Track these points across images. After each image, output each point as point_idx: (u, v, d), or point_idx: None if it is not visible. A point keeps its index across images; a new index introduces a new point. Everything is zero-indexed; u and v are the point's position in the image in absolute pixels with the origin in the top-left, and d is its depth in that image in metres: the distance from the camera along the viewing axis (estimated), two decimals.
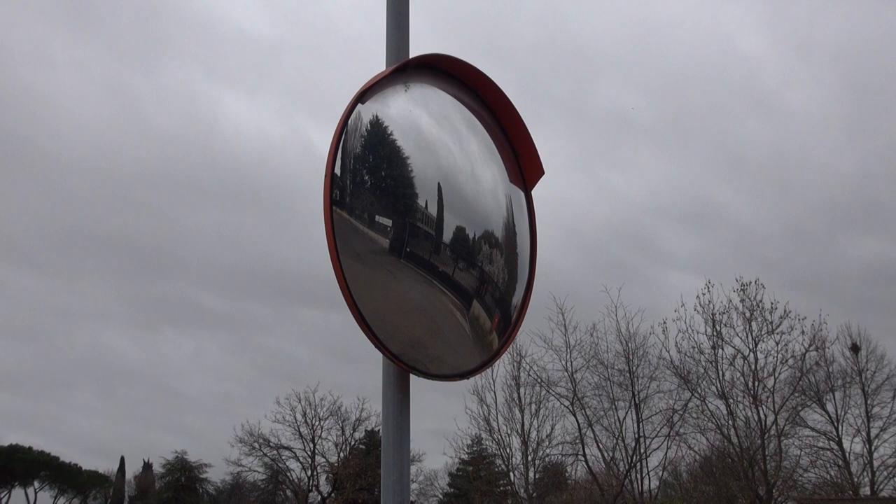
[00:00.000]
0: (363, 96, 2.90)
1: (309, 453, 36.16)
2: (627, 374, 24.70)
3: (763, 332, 23.29)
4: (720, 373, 23.55)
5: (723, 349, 23.72)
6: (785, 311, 23.17)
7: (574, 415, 24.96)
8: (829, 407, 26.83)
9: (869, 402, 27.36)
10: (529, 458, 25.28)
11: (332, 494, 35.36)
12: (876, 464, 26.46)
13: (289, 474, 37.28)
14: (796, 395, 23.94)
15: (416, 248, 2.97)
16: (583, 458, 24.78)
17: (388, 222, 2.88)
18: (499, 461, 28.41)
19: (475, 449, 32.43)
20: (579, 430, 24.90)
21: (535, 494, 25.36)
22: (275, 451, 36.22)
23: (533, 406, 25.69)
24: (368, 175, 2.90)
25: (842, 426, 26.95)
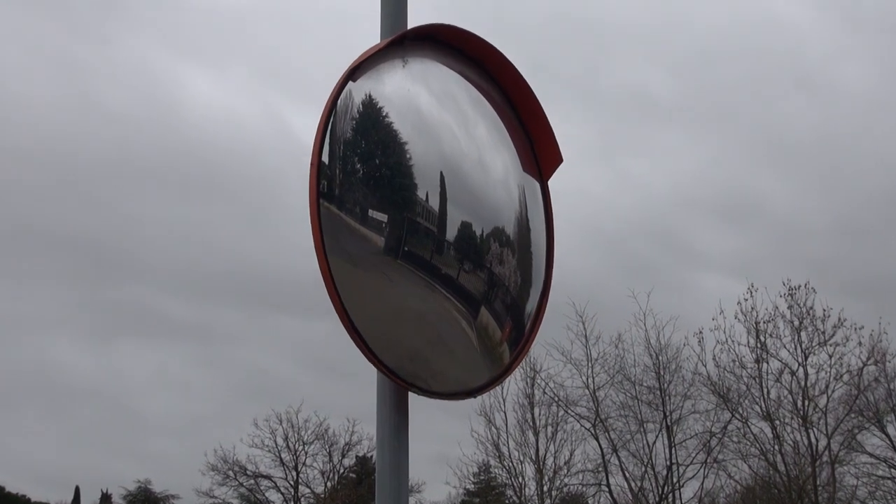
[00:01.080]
0: (354, 73, 2.90)
1: (291, 483, 36.19)
2: (658, 392, 24.71)
3: (814, 344, 23.28)
4: (765, 390, 23.55)
5: (768, 363, 23.72)
6: (839, 319, 23.15)
7: (597, 438, 24.98)
8: (891, 430, 26.75)
9: None
10: (545, 489, 25.28)
11: None
12: None
13: None
14: (852, 415, 23.88)
15: (416, 246, 2.98)
16: (606, 489, 24.80)
17: (383, 217, 2.89)
18: (510, 492, 28.43)
19: (483, 478, 32.46)
20: (602, 456, 24.91)
21: None
22: (252, 481, 36.25)
23: (549, 429, 25.71)
24: (360, 163, 2.91)
25: None
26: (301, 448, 36.02)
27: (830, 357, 23.01)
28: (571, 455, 25.41)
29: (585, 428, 25.19)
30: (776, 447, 23.21)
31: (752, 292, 23.82)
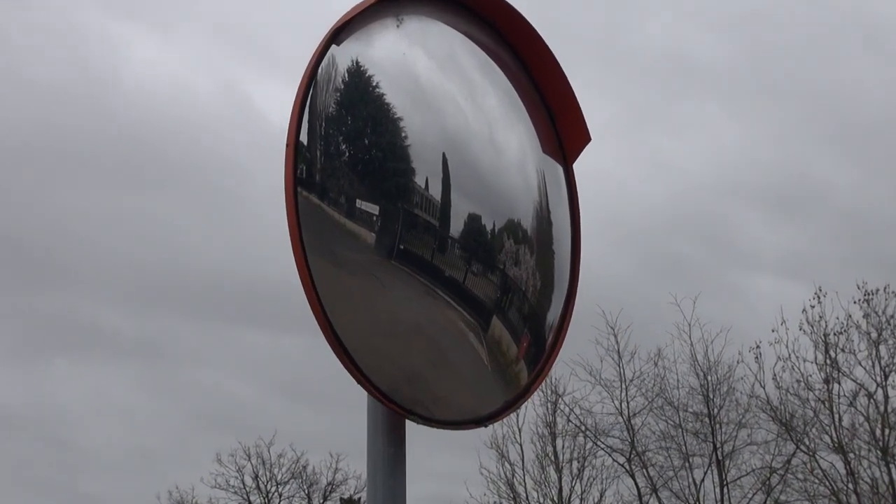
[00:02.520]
0: (339, 34, 2.90)
1: None
2: (706, 420, 24.68)
3: None
4: (836, 417, 23.49)
5: (839, 384, 23.66)
6: None
7: (632, 476, 24.97)
8: None
9: None
10: None
11: None
12: None
13: None
14: None
15: (414, 244, 2.98)
16: None
17: (374, 209, 2.90)
18: None
19: None
20: (639, 496, 24.90)
21: None
22: None
23: (574, 464, 25.72)
24: (346, 143, 2.92)
25: None
26: (274, 489, 36.09)
27: None
28: (602, 496, 25.45)
29: (619, 463, 25.21)
30: (850, 485, 23.17)
31: (819, 298, 23.79)
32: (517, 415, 25.09)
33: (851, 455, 23.27)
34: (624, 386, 25.05)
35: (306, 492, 36.40)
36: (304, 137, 2.78)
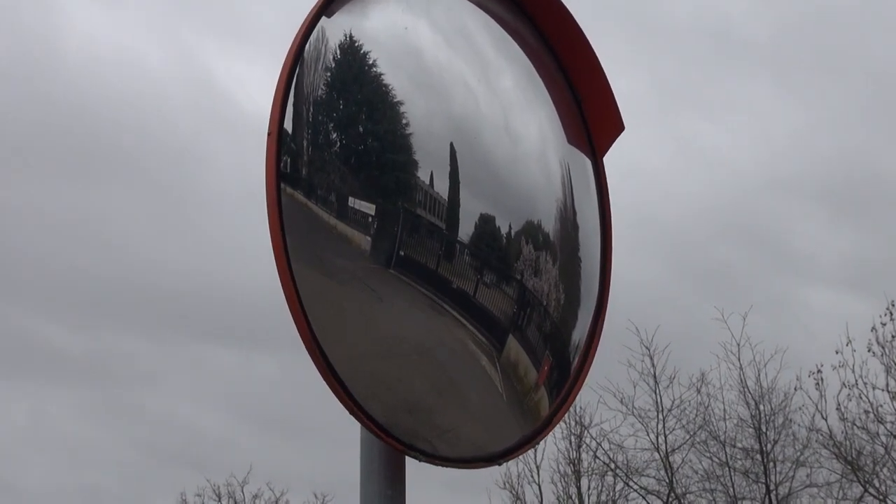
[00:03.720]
0: (329, 5, 2.92)
1: None
2: (758, 457, 24.62)
3: None
4: None
5: None
6: None
7: None
8: None
9: None
10: None
11: None
12: None
13: None
14: None
15: (416, 250, 2.99)
16: None
17: (369, 209, 2.91)
18: None
19: None
20: None
21: None
22: None
23: None
24: (338, 132, 2.93)
25: None
26: None
27: None
28: None
29: None
30: None
31: (891, 314, 23.72)
32: (536, 450, 25.05)
33: None
34: (661, 416, 25.00)
35: None
36: (288, 125, 2.79)
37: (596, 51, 3.44)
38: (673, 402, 25.13)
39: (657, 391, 25.13)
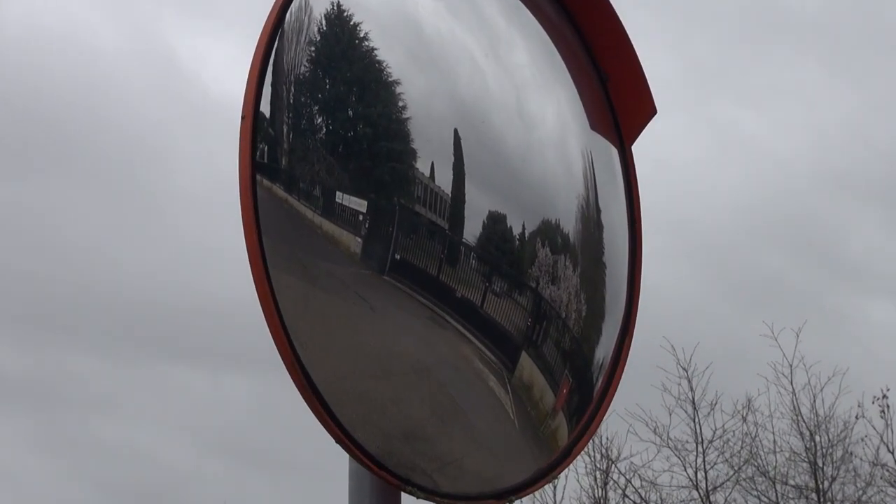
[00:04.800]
0: None
1: None
2: (814, 496, 24.58)
3: None
4: None
5: None
6: None
7: None
8: None
9: None
10: None
11: None
12: None
13: None
14: None
15: (414, 254, 3.00)
16: None
17: (359, 205, 2.92)
18: None
19: None
20: None
21: None
22: None
23: None
24: (323, 116, 2.94)
25: None
26: None
27: None
28: None
29: None
30: None
31: None
32: (554, 486, 25.02)
33: None
34: (701, 449, 24.97)
35: None
36: (265, 107, 2.79)
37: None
38: (714, 433, 25.10)
39: (696, 419, 25.10)
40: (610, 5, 3.42)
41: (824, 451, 24.78)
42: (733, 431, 25.13)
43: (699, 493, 24.99)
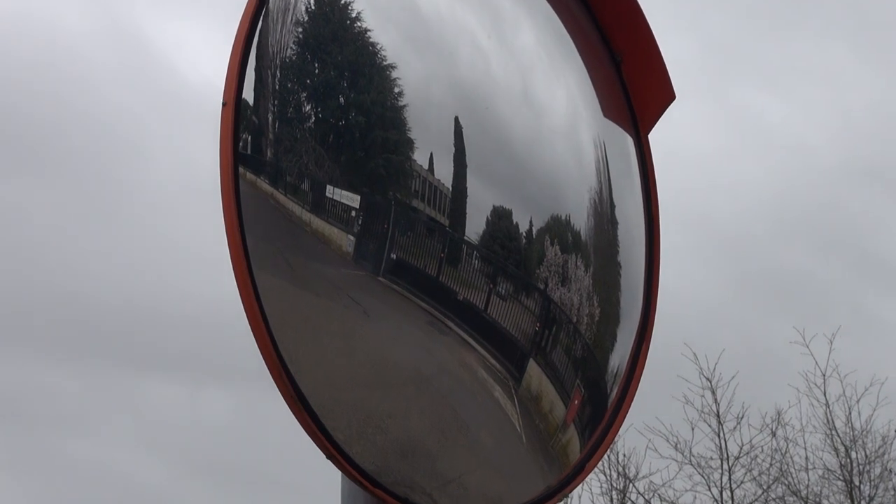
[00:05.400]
0: None
1: None
2: None
3: None
4: None
5: None
6: None
7: None
8: None
9: None
10: None
11: None
12: None
13: None
14: None
15: (412, 253, 3.01)
16: None
17: (352, 200, 2.92)
18: None
19: None
20: None
21: None
22: None
23: None
24: (312, 103, 2.94)
25: None
26: None
27: None
28: None
29: None
30: None
31: None
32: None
33: None
34: (726, 466, 24.96)
35: None
36: (248, 94, 2.79)
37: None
38: (741, 449, 25.11)
39: (721, 434, 25.10)
40: None
41: (861, 468, 24.78)
42: (761, 447, 25.15)
43: None
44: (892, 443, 24.55)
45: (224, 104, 2.73)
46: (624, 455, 25.26)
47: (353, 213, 2.92)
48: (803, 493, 24.98)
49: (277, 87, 2.89)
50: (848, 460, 24.73)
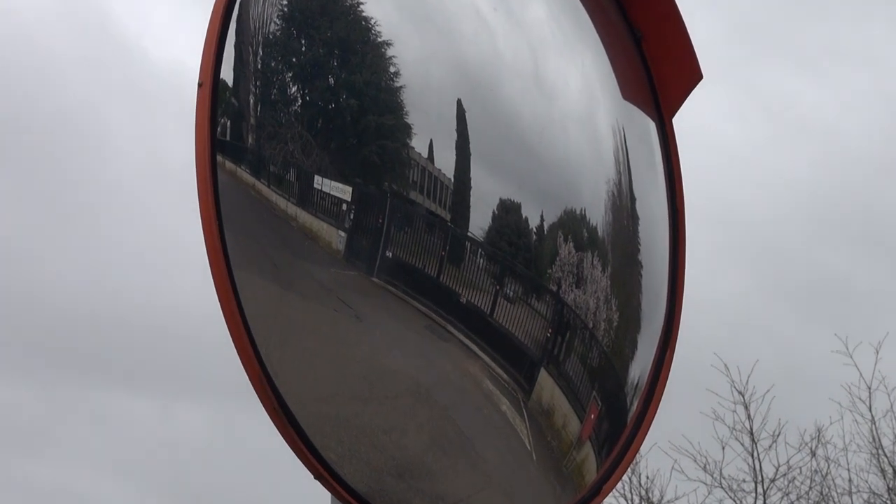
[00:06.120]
0: None
1: None
2: None
3: None
4: None
5: None
6: None
7: None
8: None
9: None
10: None
11: None
12: None
13: None
14: None
15: (409, 251, 3.01)
16: None
17: (343, 192, 2.93)
18: None
19: None
20: None
21: None
22: None
23: None
24: (298, 84, 2.95)
25: None
26: None
27: None
28: None
29: None
30: None
31: None
32: None
33: None
34: (761, 489, 24.97)
35: None
36: (227, 74, 2.79)
37: None
38: (777, 470, 25.10)
39: (755, 454, 25.09)
40: None
41: None
42: (800, 468, 25.14)
43: None
44: None
45: (200, 85, 2.73)
46: (646, 477, 25.27)
47: (345, 207, 2.93)
48: None
49: (260, 66, 2.89)
50: None
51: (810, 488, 25.27)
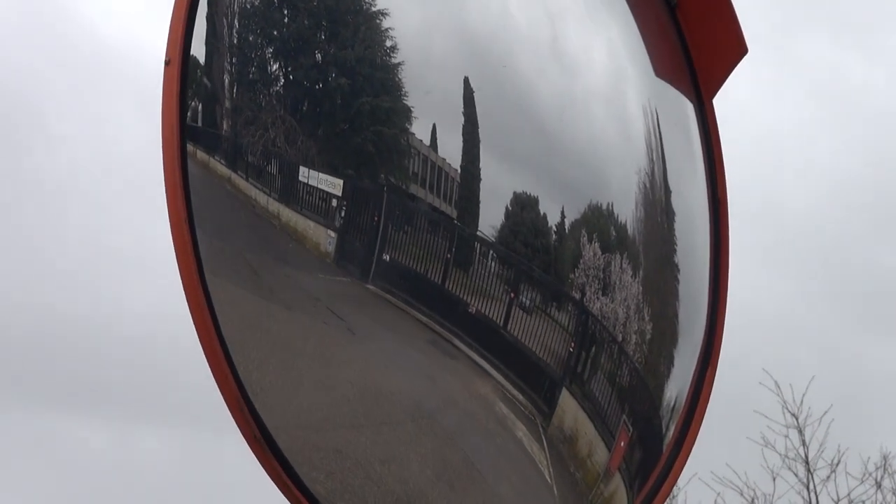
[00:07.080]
0: None
1: None
2: None
3: None
4: None
5: None
6: None
7: None
8: None
9: None
10: None
11: None
12: None
13: None
14: None
15: (409, 253, 3.02)
16: None
17: (333, 186, 2.94)
18: None
19: None
20: None
21: None
22: None
23: None
24: (280, 62, 2.96)
25: None
26: None
27: None
28: None
29: None
30: None
31: None
32: None
33: None
34: None
35: None
36: (198, 49, 2.81)
37: None
38: (838, 503, 25.16)
39: (811, 485, 25.17)
40: None
41: None
42: (863, 501, 25.20)
43: None
44: None
45: (167, 63, 2.73)
46: None
47: (335, 203, 2.94)
48: None
49: (236, 40, 2.90)
50: None
51: None
